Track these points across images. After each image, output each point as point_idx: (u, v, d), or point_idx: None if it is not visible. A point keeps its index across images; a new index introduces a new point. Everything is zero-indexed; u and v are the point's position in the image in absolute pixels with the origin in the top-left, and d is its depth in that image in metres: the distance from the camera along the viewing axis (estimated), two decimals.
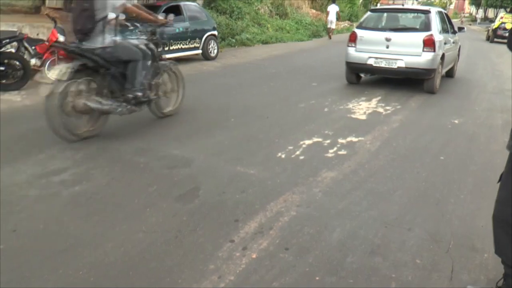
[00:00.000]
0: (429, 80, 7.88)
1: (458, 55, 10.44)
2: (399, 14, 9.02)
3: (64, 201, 3.29)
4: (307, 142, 4.88)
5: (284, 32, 19.36)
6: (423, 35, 7.70)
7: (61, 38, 7.92)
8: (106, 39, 4.59)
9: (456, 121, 6.15)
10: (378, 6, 10.29)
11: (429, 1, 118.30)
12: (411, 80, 8.60)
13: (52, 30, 8.04)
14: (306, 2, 27.38)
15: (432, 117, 6.38)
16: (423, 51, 7.65)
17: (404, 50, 7.77)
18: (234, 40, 14.61)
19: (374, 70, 8.19)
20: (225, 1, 16.33)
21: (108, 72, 4.71)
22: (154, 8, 10.53)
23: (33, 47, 7.79)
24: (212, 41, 11.42)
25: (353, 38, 8.26)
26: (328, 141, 4.95)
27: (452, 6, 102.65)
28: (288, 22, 21.22)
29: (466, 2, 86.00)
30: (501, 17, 25.75)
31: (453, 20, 10.65)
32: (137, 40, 5.19)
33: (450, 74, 9.81)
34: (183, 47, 10.58)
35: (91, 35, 4.52)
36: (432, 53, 7.65)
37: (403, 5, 10.01)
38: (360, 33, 8.25)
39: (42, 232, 2.83)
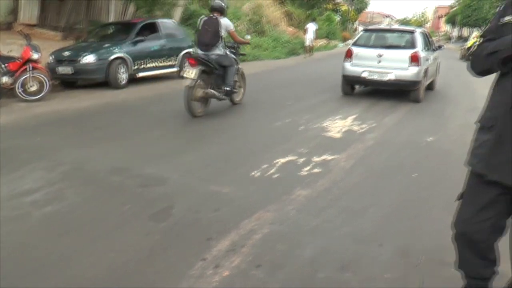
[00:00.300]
0: (414, 91, 9.01)
1: (438, 70, 11.39)
2: (388, 34, 10.15)
3: (35, 222, 3.30)
4: (282, 160, 4.99)
5: (262, 49, 19.64)
6: (409, 52, 8.85)
7: (35, 56, 7.92)
8: (220, 51, 7.15)
9: (431, 139, 6.34)
10: (370, 27, 11.84)
11: (405, 20, 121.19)
12: (390, 97, 9.09)
13: (25, 47, 8.05)
14: (284, 20, 27.87)
15: (407, 134, 6.57)
16: (409, 65, 8.81)
17: (394, 65, 8.91)
18: None
19: (367, 82, 9.41)
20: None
21: (215, 73, 7.13)
22: (130, 26, 10.66)
23: (5, 65, 7.78)
24: None
25: (349, 54, 9.46)
26: (303, 159, 5.06)
27: (428, 25, 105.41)
28: (266, 39, 21.56)
29: (442, 21, 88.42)
30: (474, 36, 26.58)
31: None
32: (229, 52, 7.54)
33: (430, 87, 10.70)
34: (159, 64, 10.70)
35: (212, 47, 7.05)
36: (417, 68, 8.80)
37: (390, 26, 11.10)
38: (355, 50, 9.46)
39: (10, 254, 2.84)
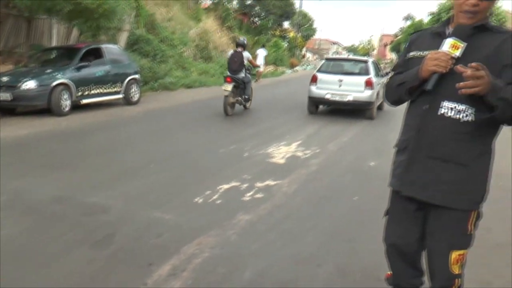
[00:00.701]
0: (369, 110, 11.10)
1: None
2: (346, 62, 12.63)
3: None
4: (225, 186, 5.17)
5: (208, 76, 19.91)
6: (364, 78, 10.92)
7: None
8: (243, 73, 10.78)
9: (372, 163, 6.72)
10: (331, 57, 17.75)
11: (353, 47, 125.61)
12: (337, 121, 10.08)
13: None
14: (231, 46, 28.37)
15: (350, 160, 6.94)
16: (365, 89, 10.80)
17: (352, 88, 10.89)
18: (157, 84, 14.84)
19: (330, 103, 11.38)
20: (148, 44, 16.68)
21: (240, 87, 10.74)
22: (74, 50, 10.62)
23: None
24: (134, 85, 11.59)
25: (314, 79, 11.43)
26: (246, 185, 5.27)
27: (375, 52, 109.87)
28: (213, 65, 21.88)
29: (387, 49, 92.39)
30: None
31: None
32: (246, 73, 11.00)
33: (380, 107, 12.65)
34: (103, 91, 10.66)
35: (238, 72, 10.65)
36: (371, 91, 10.81)
37: (348, 55, 13.26)
38: (319, 75, 11.46)
39: None
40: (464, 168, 2.06)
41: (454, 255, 2.13)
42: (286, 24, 52.06)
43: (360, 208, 4.74)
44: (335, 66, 12.11)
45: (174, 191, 4.93)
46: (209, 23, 25.25)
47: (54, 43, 13.93)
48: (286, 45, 46.42)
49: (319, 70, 11.80)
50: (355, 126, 10.32)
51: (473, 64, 1.84)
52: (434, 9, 31.56)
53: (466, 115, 2.02)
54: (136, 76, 11.75)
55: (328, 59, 13.08)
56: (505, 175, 6.86)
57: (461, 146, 2.04)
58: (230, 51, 11.33)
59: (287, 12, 44.41)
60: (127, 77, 11.30)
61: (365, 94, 10.80)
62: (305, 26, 64.40)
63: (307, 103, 11.74)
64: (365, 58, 12.63)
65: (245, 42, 11.17)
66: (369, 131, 9.74)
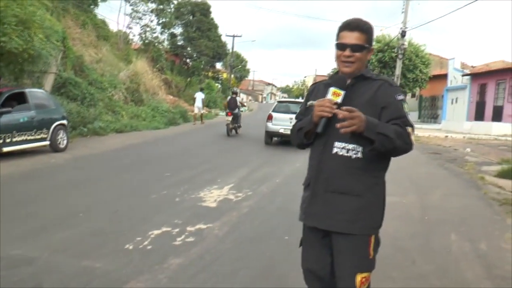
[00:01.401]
0: None
1: None
2: (294, 104, 16.36)
3: None
4: (156, 232, 5.33)
5: (140, 119, 19.96)
6: None
7: None
8: (237, 110, 18.89)
9: None
10: (282, 99, 22.66)
11: (287, 88, 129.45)
12: (271, 164, 9.73)
13: None
14: (163, 88, 28.60)
15: (281, 201, 7.29)
16: None
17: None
18: (86, 129, 14.71)
19: (283, 135, 14.88)
20: (77, 87, 16.50)
21: (235, 118, 18.77)
22: None
23: None
24: (62, 131, 11.44)
25: (270, 117, 15.31)
26: (177, 230, 5.45)
27: None
28: (144, 109, 21.96)
29: None
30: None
31: None
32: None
33: None
34: (28, 138, 10.43)
35: (234, 109, 18.46)
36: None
37: (283, 97, 15.70)
38: (274, 114, 15.31)
39: None
40: (359, 198, 2.43)
41: (359, 277, 2.45)
42: (218, 65, 53.24)
43: (290, 247, 5.02)
44: (285, 107, 16.25)
45: (104, 239, 5.02)
46: (140, 64, 25.38)
47: None
48: (219, 86, 47.30)
49: (273, 110, 15.75)
50: (288, 167, 10.78)
51: (346, 107, 2.26)
52: None
53: (356, 153, 2.43)
54: (64, 121, 11.63)
55: (279, 102, 18.48)
56: (431, 208, 7.48)
57: (354, 179, 2.43)
58: (229, 97, 20.11)
59: (220, 53, 45.52)
60: (53, 122, 11.15)
61: None
62: (238, 67, 66.11)
63: (264, 136, 15.79)
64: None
65: (237, 91, 16.01)
66: (302, 172, 10.19)
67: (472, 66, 33.69)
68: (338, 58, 2.51)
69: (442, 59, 40.52)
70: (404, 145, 2.33)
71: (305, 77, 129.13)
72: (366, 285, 2.50)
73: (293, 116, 11.80)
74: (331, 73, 2.84)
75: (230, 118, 18.20)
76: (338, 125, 2.26)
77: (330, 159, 2.48)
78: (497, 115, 25.89)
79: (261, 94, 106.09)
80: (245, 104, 26.63)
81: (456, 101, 31.25)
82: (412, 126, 2.39)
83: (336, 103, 2.37)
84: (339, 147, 2.45)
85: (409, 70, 31.88)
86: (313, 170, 2.58)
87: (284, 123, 14.51)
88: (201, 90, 26.88)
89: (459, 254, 5.28)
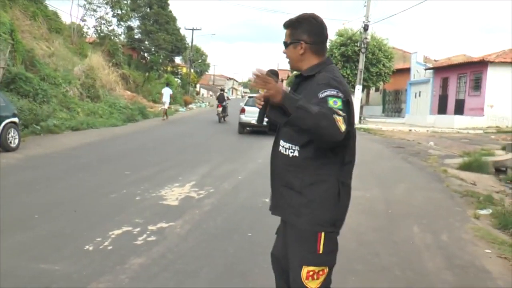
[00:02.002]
0: None
1: None
2: None
3: None
4: (116, 232, 5.34)
5: (97, 116, 19.67)
6: None
7: None
8: (226, 102, 26.63)
9: (267, 200, 7.14)
10: (253, 95, 23.15)
11: (249, 82, 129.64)
12: (234, 160, 9.79)
13: None
14: (120, 84, 28.22)
15: (244, 198, 7.40)
16: None
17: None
18: (39, 127, 14.38)
19: (254, 125, 17.71)
20: (28, 83, 16.02)
21: (223, 109, 25.84)
22: None
23: None
24: (13, 129, 11.14)
25: (243, 110, 18.53)
26: (138, 229, 5.48)
27: None
28: (101, 105, 21.65)
29: (284, 84, 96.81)
30: None
31: None
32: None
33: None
34: None
35: (223, 102, 26.07)
36: None
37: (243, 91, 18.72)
38: (246, 108, 18.23)
39: None
40: (299, 194, 2.54)
41: (306, 270, 2.54)
42: (178, 60, 52.85)
43: (254, 244, 5.17)
44: (254, 101, 17.43)
45: (62, 241, 5.00)
46: (96, 59, 24.94)
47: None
48: (178, 81, 46.98)
49: (246, 104, 18.97)
50: (250, 164, 10.90)
51: (255, 71, 2.36)
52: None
53: (292, 151, 2.55)
54: (15, 119, 11.35)
55: (250, 97, 21.06)
56: (395, 202, 7.74)
57: (293, 177, 2.56)
58: (218, 93, 28.25)
59: (179, 47, 45.19)
60: (3, 120, 10.79)
61: None
62: (198, 61, 65.79)
63: (238, 127, 19.37)
64: None
65: (224, 88, 19.05)
66: (264, 168, 10.32)
67: (435, 60, 34.68)
68: None
69: (405, 53, 41.53)
70: (329, 126, 2.21)
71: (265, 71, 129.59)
72: (320, 279, 2.56)
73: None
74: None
75: (220, 109, 25.29)
76: (251, 83, 2.43)
77: (277, 156, 2.67)
78: (459, 109, 26.82)
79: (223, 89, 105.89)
80: (230, 98, 31.02)
81: (420, 95, 32.17)
82: (340, 115, 2.25)
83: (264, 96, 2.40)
84: (281, 145, 2.63)
85: (372, 64, 32.52)
86: (271, 166, 2.75)
87: (254, 115, 14.69)
88: (167, 85, 28.60)
89: (422, 246, 5.53)
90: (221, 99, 26.35)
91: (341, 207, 2.58)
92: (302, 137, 2.47)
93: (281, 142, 2.63)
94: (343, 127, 2.23)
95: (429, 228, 6.26)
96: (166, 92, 25.88)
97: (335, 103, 2.30)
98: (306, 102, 2.27)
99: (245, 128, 19.10)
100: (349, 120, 2.41)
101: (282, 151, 2.62)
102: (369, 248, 5.26)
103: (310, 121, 2.20)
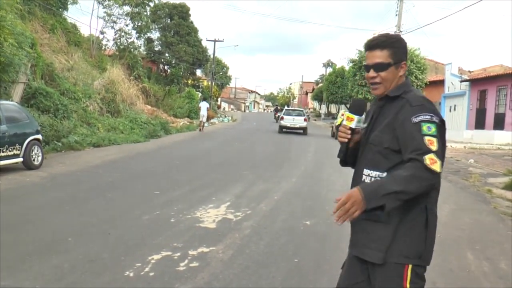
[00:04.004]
0: (305, 130, 31.67)
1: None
2: (293, 111, 34.90)
3: None
4: (156, 257, 5.32)
5: (118, 132, 19.87)
6: (303, 117, 32.42)
7: None
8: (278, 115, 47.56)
9: (308, 222, 7.17)
10: (287, 108, 41.28)
11: (272, 96, 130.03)
12: (268, 179, 9.75)
13: None
14: (141, 98, 28.49)
15: (283, 220, 7.34)
16: (304, 121, 32.00)
17: (298, 121, 31.78)
18: (60, 144, 14.58)
19: (289, 127, 31.66)
20: (48, 98, 16.26)
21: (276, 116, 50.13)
22: None
23: None
24: (36, 146, 11.33)
25: (282, 118, 32.60)
26: (178, 254, 5.45)
27: (295, 101, 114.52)
28: (122, 120, 21.89)
29: (309, 97, 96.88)
30: (342, 114, 29.90)
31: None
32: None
33: (305, 132, 31.83)
34: None
35: (277, 112, 47.60)
36: (306, 122, 32.57)
37: (289, 106, 45.04)
38: (284, 116, 32.65)
39: None
40: (386, 225, 2.46)
41: None
42: (199, 72, 53.29)
43: (302, 271, 5.12)
44: (288, 112, 33.87)
45: (100, 266, 4.99)
46: (116, 72, 25.27)
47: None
48: (199, 95, 47.29)
49: (284, 114, 33.16)
50: (285, 183, 10.84)
51: (336, 198, 2.39)
52: (355, 56, 33.77)
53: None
54: (38, 136, 11.53)
55: (286, 109, 35.83)
56: (442, 224, 7.61)
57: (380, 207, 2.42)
58: (202, 101, 32.24)
59: (200, 59, 45.66)
60: (27, 137, 11.03)
61: (304, 124, 31.77)
62: (220, 73, 66.25)
63: (278, 128, 32.28)
64: (301, 109, 40.95)
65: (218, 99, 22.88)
66: (299, 188, 10.27)
67: (469, 71, 34.25)
68: (368, 81, 2.64)
69: (437, 64, 41.17)
70: (423, 184, 2.28)
71: (290, 83, 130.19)
72: None
73: (295, 117, 32.82)
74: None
75: (204, 118, 29.61)
76: (334, 219, 2.39)
77: None
78: (499, 123, 26.30)
79: (244, 103, 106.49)
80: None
81: (455, 109, 31.74)
82: (432, 151, 2.29)
83: (350, 128, 2.52)
84: (366, 174, 2.56)
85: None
86: None
87: (290, 121, 31.86)
88: (204, 99, 37.04)
89: (480, 275, 5.39)
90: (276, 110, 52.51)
91: (428, 238, 2.49)
92: (387, 162, 2.43)
93: (365, 171, 2.57)
94: (437, 167, 2.28)
95: (484, 255, 6.13)
96: (204, 106, 30.27)
97: (429, 129, 2.33)
98: (384, 185, 2.31)
99: (283, 129, 31.85)
100: (442, 142, 2.40)
101: (367, 180, 2.55)
102: (425, 277, 5.12)
103: (403, 196, 2.28)
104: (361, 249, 2.56)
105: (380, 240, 2.48)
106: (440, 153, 2.32)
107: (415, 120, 2.36)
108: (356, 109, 2.58)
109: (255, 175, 11.96)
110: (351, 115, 2.57)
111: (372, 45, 2.56)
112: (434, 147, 2.29)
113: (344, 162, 2.80)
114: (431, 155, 2.27)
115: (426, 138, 2.31)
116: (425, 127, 2.33)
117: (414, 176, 2.25)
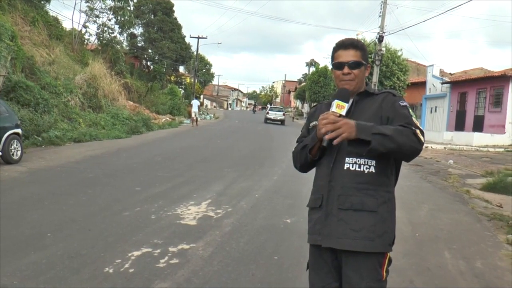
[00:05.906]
0: (283, 122, 44.53)
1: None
2: (275, 107, 52.92)
3: None
4: (136, 253, 5.29)
5: (99, 127, 19.74)
6: (282, 112, 47.62)
7: None
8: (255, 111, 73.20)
9: (288, 220, 7.19)
10: (271, 106, 58.06)
11: (254, 94, 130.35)
12: (248, 177, 9.76)
13: None
14: (123, 93, 28.28)
15: (264, 217, 7.34)
16: (282, 115, 45.67)
17: (278, 115, 45.61)
18: (40, 139, 14.42)
19: (272, 119, 44.63)
20: (28, 91, 16.06)
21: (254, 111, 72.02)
22: None
23: None
24: (15, 140, 11.18)
25: (267, 113, 46.64)
26: (159, 250, 5.43)
27: (278, 100, 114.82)
28: (103, 116, 21.73)
29: (292, 96, 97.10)
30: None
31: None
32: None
33: (283, 123, 43.93)
34: None
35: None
36: (284, 116, 45.87)
37: (272, 104, 53.84)
38: (269, 112, 47.01)
39: None
40: (374, 214, 2.52)
41: None
42: (182, 69, 53.09)
43: (282, 268, 5.12)
44: (272, 109, 49.09)
45: (79, 262, 4.94)
46: (97, 67, 25.05)
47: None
48: (182, 92, 47.13)
49: (269, 110, 47.82)
50: (266, 181, 10.84)
51: (321, 115, 2.48)
52: None
53: (368, 167, 2.55)
54: (18, 130, 11.38)
55: (270, 107, 51.73)
56: (421, 224, 7.69)
57: (368, 195, 2.53)
58: (194, 99, 36.45)
59: (183, 56, 45.47)
60: (6, 131, 10.86)
61: (282, 117, 44.99)
62: (203, 71, 66.04)
63: (264, 119, 45.55)
64: (281, 107, 56.30)
65: (201, 96, 26.57)
66: (280, 186, 10.29)
67: (451, 74, 34.64)
68: (337, 78, 2.71)
69: (419, 66, 41.58)
70: (410, 142, 2.41)
71: (273, 82, 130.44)
72: None
73: (276, 112, 47.52)
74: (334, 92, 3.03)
75: (194, 113, 32.94)
76: (326, 136, 2.43)
77: (342, 176, 2.57)
78: (478, 125, 26.70)
79: (227, 100, 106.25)
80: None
81: (436, 110, 32.09)
82: (420, 129, 2.49)
83: (340, 116, 2.49)
84: (351, 162, 2.56)
85: (386, 77, 32.36)
86: (323, 189, 2.65)
87: (272, 115, 44.57)
88: (196, 98, 40.83)
89: (456, 274, 5.45)
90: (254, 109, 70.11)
91: (394, 224, 2.66)
92: (363, 143, 2.49)
93: (349, 159, 2.56)
94: (422, 138, 2.46)
95: (461, 254, 6.19)
96: (195, 103, 33.85)
97: (413, 114, 2.58)
98: (379, 126, 2.43)
99: (267, 120, 43.12)
100: None
101: (352, 168, 2.56)
102: (403, 276, 5.16)
103: (389, 143, 2.38)
104: (339, 240, 2.55)
105: (366, 229, 2.51)
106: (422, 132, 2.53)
107: (402, 104, 2.60)
108: (344, 96, 2.58)
109: (237, 172, 11.95)
110: (341, 103, 2.54)
111: (347, 44, 2.71)
112: (419, 129, 2.48)
113: (309, 164, 2.82)
114: (419, 132, 2.46)
115: (413, 118, 2.55)
116: (410, 111, 2.59)
117: (404, 133, 2.41)
